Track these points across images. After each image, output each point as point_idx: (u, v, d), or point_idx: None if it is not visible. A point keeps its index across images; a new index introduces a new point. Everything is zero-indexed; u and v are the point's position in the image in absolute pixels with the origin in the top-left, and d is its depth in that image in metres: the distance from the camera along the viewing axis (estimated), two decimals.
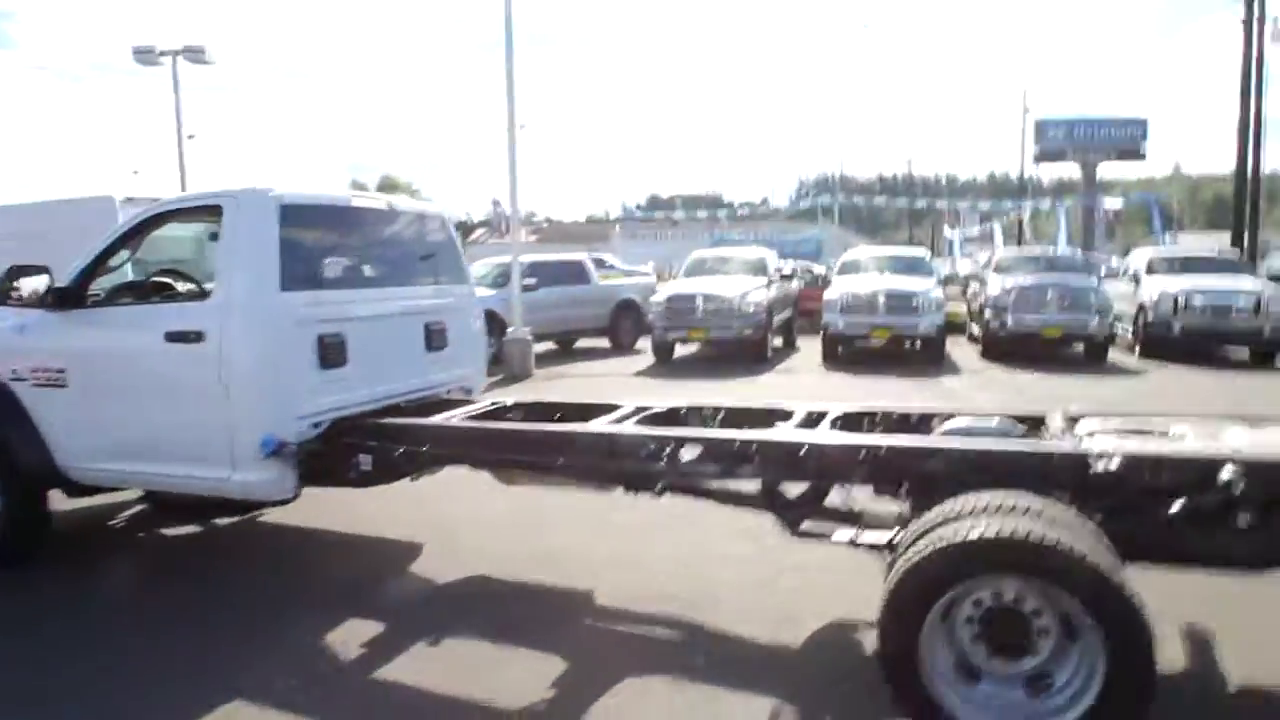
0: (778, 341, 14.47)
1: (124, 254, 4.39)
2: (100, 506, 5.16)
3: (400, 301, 4.60)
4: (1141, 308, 13.23)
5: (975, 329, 14.37)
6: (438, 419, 4.20)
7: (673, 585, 4.13)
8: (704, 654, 3.45)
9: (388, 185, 74.28)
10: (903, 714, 2.72)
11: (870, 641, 3.52)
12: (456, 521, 5.08)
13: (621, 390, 9.78)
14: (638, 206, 78.19)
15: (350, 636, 3.60)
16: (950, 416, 3.99)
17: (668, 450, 3.61)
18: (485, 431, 3.98)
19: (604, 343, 15.62)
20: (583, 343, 15.60)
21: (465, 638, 3.58)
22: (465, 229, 64.38)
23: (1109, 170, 37.62)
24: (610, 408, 4.54)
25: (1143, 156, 32.60)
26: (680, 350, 13.67)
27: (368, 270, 4.53)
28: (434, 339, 4.77)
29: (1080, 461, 3.08)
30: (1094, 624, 2.54)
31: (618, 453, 3.71)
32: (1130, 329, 13.57)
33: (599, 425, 3.92)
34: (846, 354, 13.26)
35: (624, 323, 15.55)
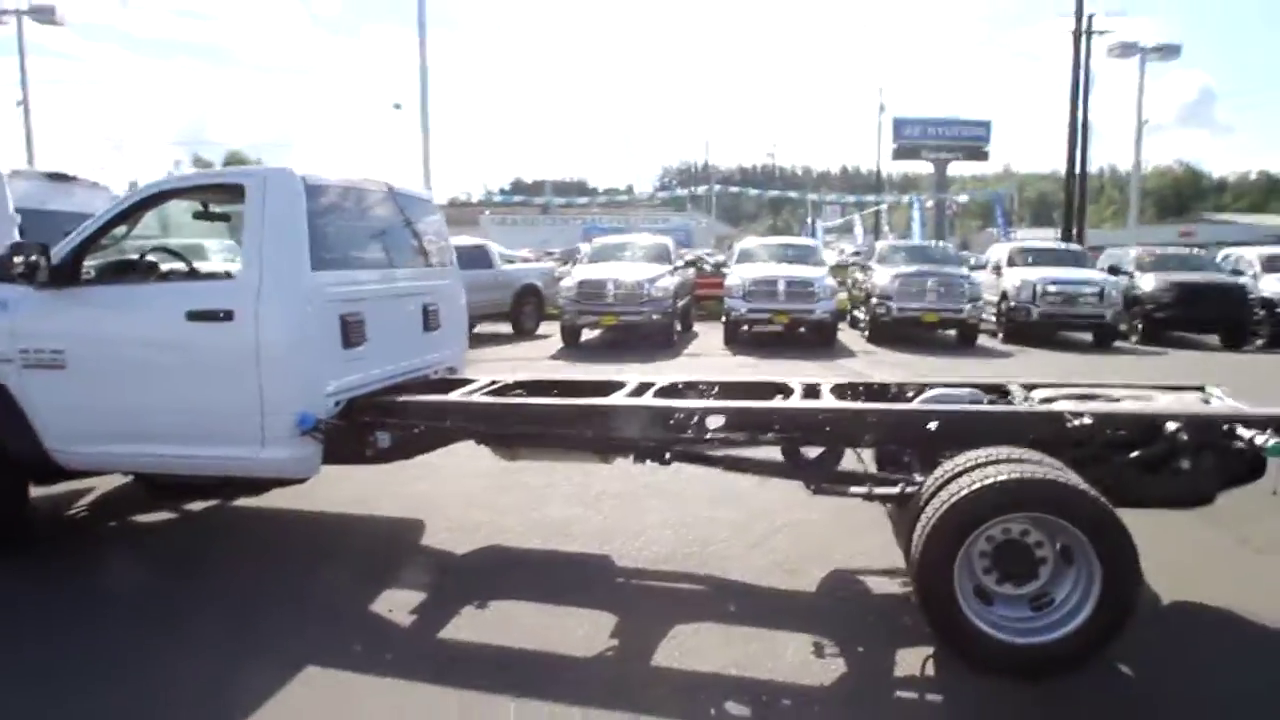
0: (678, 326, 15.02)
1: (121, 230, 4.23)
2: (56, 495, 4.95)
3: (404, 283, 4.68)
4: (1004, 295, 14.66)
5: (859, 314, 15.43)
6: (457, 395, 4.35)
7: (679, 548, 4.46)
8: (734, 602, 3.81)
9: (234, 162, 69.99)
10: (939, 633, 3.19)
11: (874, 583, 4.06)
12: (444, 498, 5.20)
13: (546, 374, 9.98)
14: (501, 190, 77.33)
15: (396, 606, 3.73)
16: (921, 388, 4.54)
17: (695, 420, 3.95)
18: (517, 407, 4.17)
19: (505, 328, 15.67)
20: (482, 328, 15.58)
21: (509, 600, 3.78)
22: None
23: (952, 168, 40.83)
24: (610, 384, 4.84)
25: (986, 157, 35.54)
26: (585, 335, 13.95)
27: (376, 252, 4.58)
28: (430, 319, 4.89)
29: (1058, 420, 3.66)
30: (1094, 550, 3.09)
31: (647, 424, 4.01)
32: (993, 315, 15.00)
33: (630, 398, 4.20)
34: (745, 337, 13.97)
35: (526, 307, 15.66)
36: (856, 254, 23.11)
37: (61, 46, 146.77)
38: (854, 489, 3.82)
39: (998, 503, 3.14)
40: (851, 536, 4.64)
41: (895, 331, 14.18)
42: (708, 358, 12.51)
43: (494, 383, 4.74)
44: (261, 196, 3.90)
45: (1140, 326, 14.74)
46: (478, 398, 4.31)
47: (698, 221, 52.03)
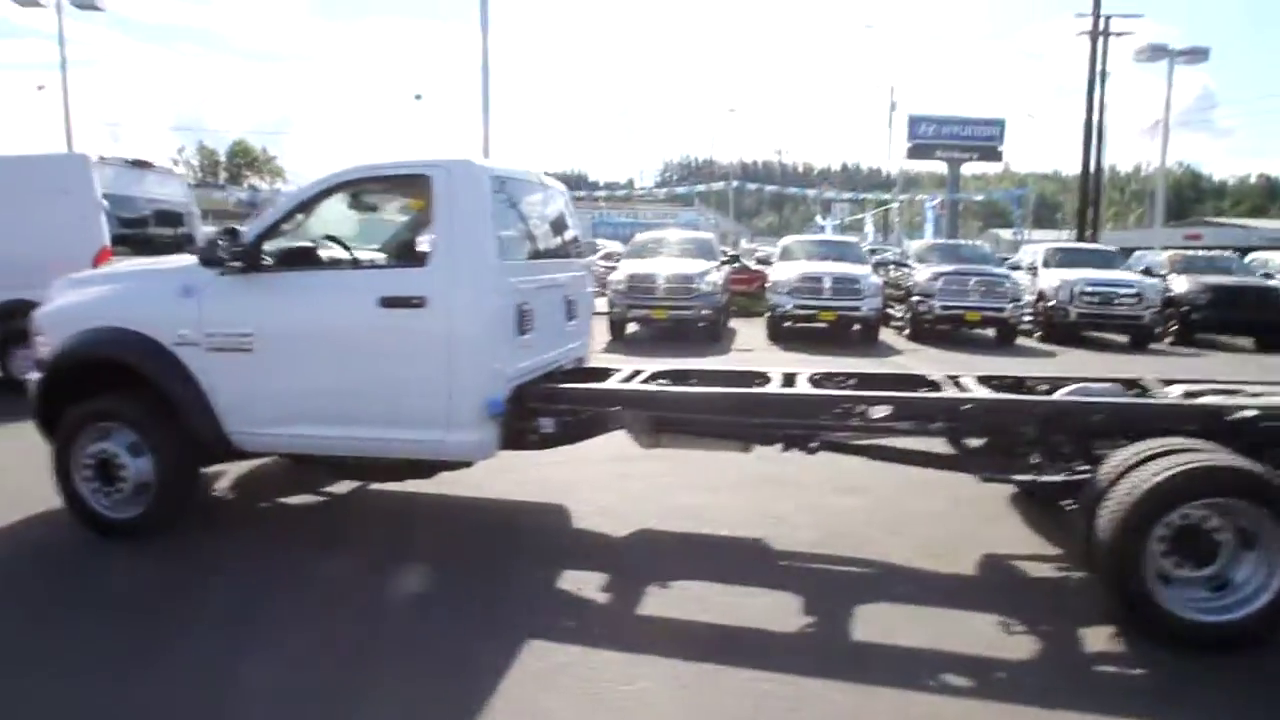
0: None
1: (299, 219, 4.36)
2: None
3: (554, 274, 4.83)
4: (1041, 295, 14.85)
5: (895, 312, 15.61)
6: (615, 383, 4.51)
7: (824, 534, 4.61)
8: (901, 584, 3.97)
9: (240, 151, 69.74)
10: (1128, 611, 3.36)
11: (1027, 567, 4.21)
12: (569, 485, 5.31)
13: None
14: None
15: (581, 586, 3.88)
16: (1052, 382, 4.72)
17: (860, 411, 4.12)
18: (687, 395, 4.33)
19: None
20: None
21: (689, 580, 3.93)
22: None
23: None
24: (748, 374, 5.01)
25: (1000, 157, 35.76)
26: (629, 329, 14.09)
27: (534, 241, 4.73)
28: (570, 309, 5.04)
29: (1220, 413, 3.84)
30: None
31: (812, 413, 4.18)
32: (1029, 315, 15.19)
33: (796, 388, 4.38)
34: (787, 334, 14.13)
35: None
36: (872, 252, 23.16)
37: (41, 26, 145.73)
38: (1019, 477, 3.99)
39: (1188, 488, 3.31)
40: (983, 524, 4.81)
41: (935, 330, 14.37)
42: (759, 353, 12.66)
43: (637, 372, 4.90)
44: (449, 188, 4.03)
45: (1174, 328, 14.95)
46: (646, 386, 4.46)
47: (705, 217, 52.19)
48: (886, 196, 46.69)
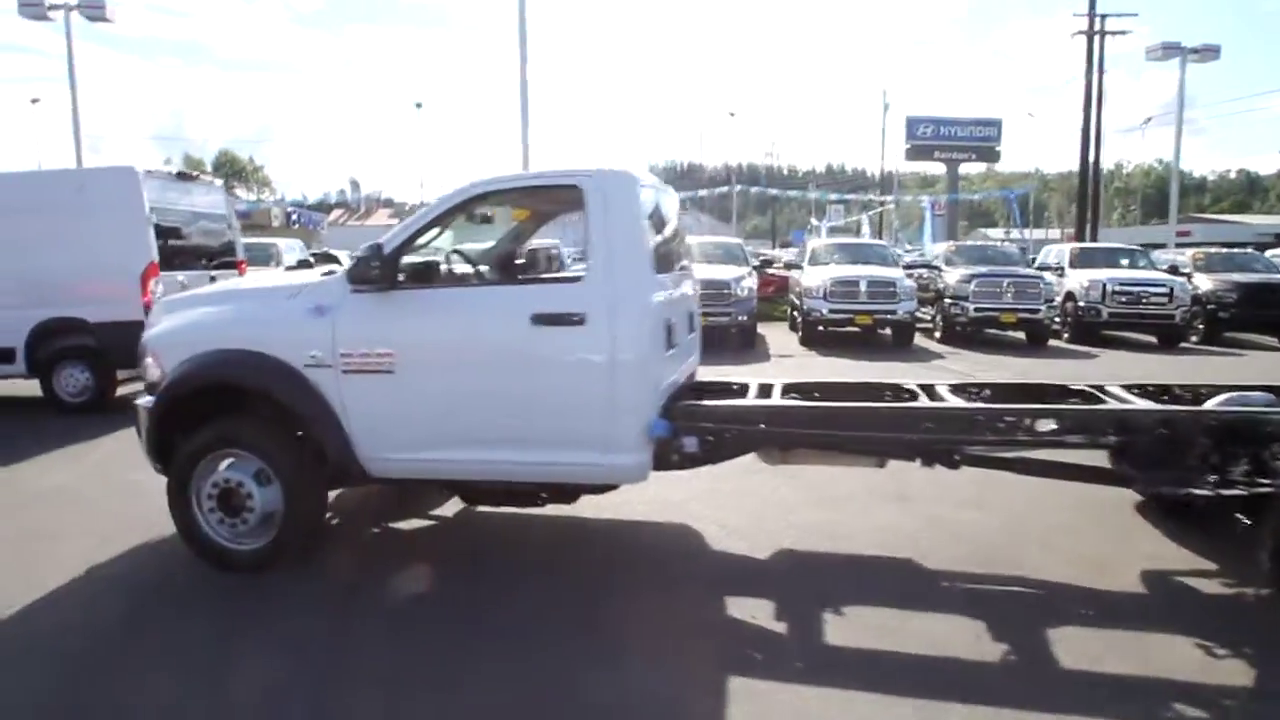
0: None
1: (434, 232, 4.15)
2: None
3: (682, 285, 4.66)
4: (1070, 296, 14.82)
5: (923, 315, 15.53)
6: (752, 400, 4.34)
7: (971, 550, 4.46)
8: (1077, 604, 3.81)
9: (225, 161, 68.92)
10: None
11: (1194, 583, 4.07)
12: (682, 504, 5.13)
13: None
14: None
15: (754, 614, 3.69)
16: (1195, 390, 4.61)
17: (1026, 423, 3.97)
18: (838, 411, 4.17)
19: None
20: None
21: (858, 606, 3.76)
22: (325, 209, 60.94)
23: (938, 169, 41.01)
24: (872, 385, 4.86)
25: (998, 157, 35.89)
26: None
27: (668, 252, 4.55)
28: (690, 321, 4.87)
29: None
30: None
31: (969, 427, 4.03)
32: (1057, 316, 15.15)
33: (947, 401, 4.23)
34: (821, 338, 14.01)
35: None
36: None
37: (34, 42, 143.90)
38: (1199, 490, 3.85)
39: None
40: (1124, 537, 4.69)
41: (965, 333, 14.30)
42: (799, 359, 12.53)
43: (765, 387, 4.73)
44: (602, 198, 3.85)
45: (1201, 327, 14.96)
46: (795, 402, 4.30)
47: (698, 220, 52.11)
48: (872, 198, 46.83)
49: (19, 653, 3.43)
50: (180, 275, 8.43)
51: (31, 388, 8.49)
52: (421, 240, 4.10)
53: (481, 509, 5.02)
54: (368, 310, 3.95)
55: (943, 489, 5.17)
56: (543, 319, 3.78)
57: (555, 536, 4.75)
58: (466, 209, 4.14)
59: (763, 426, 4.15)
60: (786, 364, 11.90)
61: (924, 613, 3.72)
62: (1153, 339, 14.73)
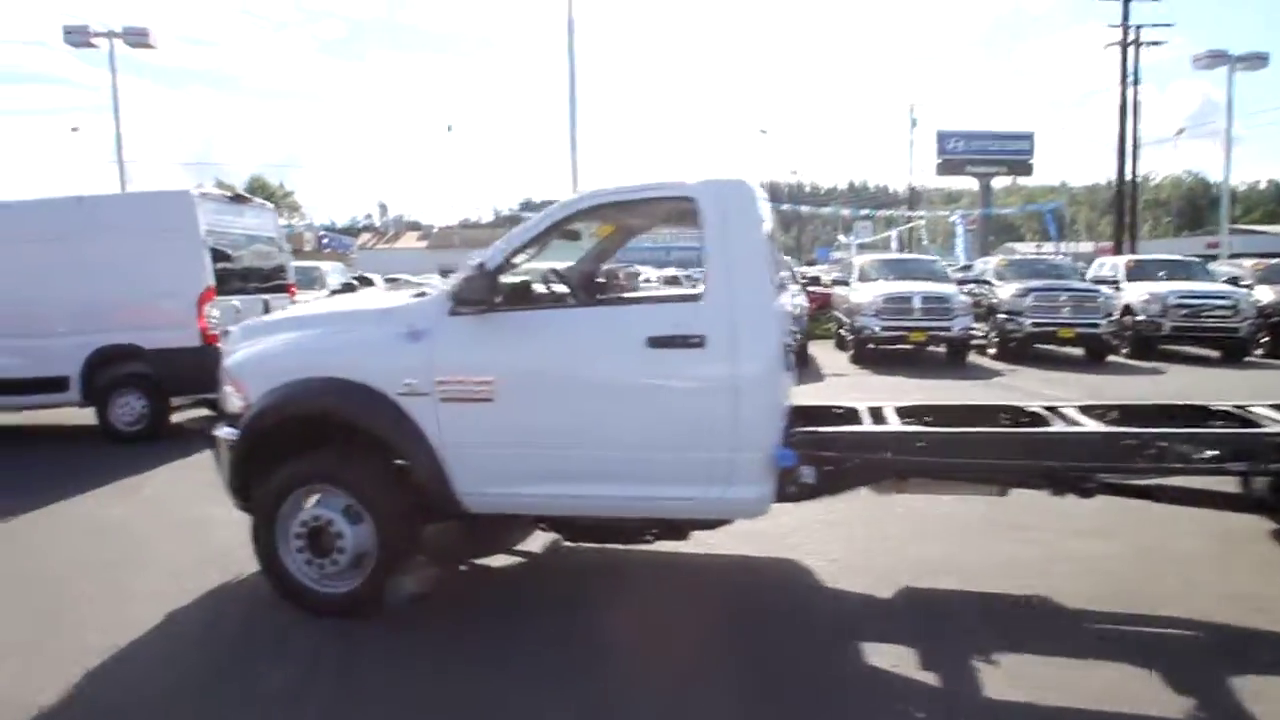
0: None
1: (532, 250, 3.90)
2: None
3: (787, 301, 4.37)
4: (1128, 309, 14.36)
5: (976, 331, 15.12)
6: (878, 427, 4.03)
7: (1106, 586, 4.12)
8: (1255, 650, 3.46)
9: (257, 187, 69.70)
10: None
11: None
12: (775, 537, 4.80)
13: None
14: (510, 210, 77.44)
15: (897, 663, 3.37)
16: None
17: (1181, 449, 3.64)
18: (969, 437, 3.87)
19: None
20: None
21: (1009, 653, 3.42)
22: (353, 233, 61.44)
23: (959, 182, 40.51)
24: (998, 408, 4.54)
25: (1031, 170, 35.43)
26: None
27: (774, 265, 4.27)
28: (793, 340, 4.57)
29: None
30: None
31: (1119, 455, 3.71)
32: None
33: (1082, 425, 3.91)
34: (872, 357, 13.65)
35: None
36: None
37: (70, 73, 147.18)
38: None
39: None
40: (1272, 571, 4.31)
41: (1020, 350, 13.88)
42: (854, 378, 12.17)
43: (876, 410, 4.43)
44: (720, 210, 3.58)
45: (1264, 340, 14.44)
46: (920, 427, 3.99)
47: None
48: (897, 214, 46.39)
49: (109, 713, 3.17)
50: (235, 300, 8.27)
51: (82, 416, 8.34)
52: (520, 258, 3.84)
53: (569, 543, 4.74)
54: (467, 334, 3.69)
55: (1055, 516, 4.79)
56: (660, 341, 3.50)
57: (652, 574, 4.44)
58: (573, 223, 3.88)
59: (888, 455, 3.84)
60: (842, 383, 11.54)
61: (1085, 660, 3.37)
62: (1214, 353, 14.24)
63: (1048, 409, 4.37)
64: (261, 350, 4.04)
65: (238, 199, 8.81)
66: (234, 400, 4.05)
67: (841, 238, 47.37)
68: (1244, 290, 14.33)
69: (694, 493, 3.56)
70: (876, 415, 4.33)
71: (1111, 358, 13.95)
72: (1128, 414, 4.47)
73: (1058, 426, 3.97)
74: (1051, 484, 3.80)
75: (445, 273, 10.29)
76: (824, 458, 3.80)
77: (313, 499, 3.85)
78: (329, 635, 3.69)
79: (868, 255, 17.65)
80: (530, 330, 3.68)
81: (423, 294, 4.15)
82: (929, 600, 4.04)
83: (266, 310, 8.83)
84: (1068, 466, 3.70)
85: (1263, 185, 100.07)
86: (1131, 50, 29.08)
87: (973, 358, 13.99)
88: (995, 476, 3.88)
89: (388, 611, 3.83)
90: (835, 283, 15.62)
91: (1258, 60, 22.44)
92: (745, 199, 3.62)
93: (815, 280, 16.54)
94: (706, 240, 3.57)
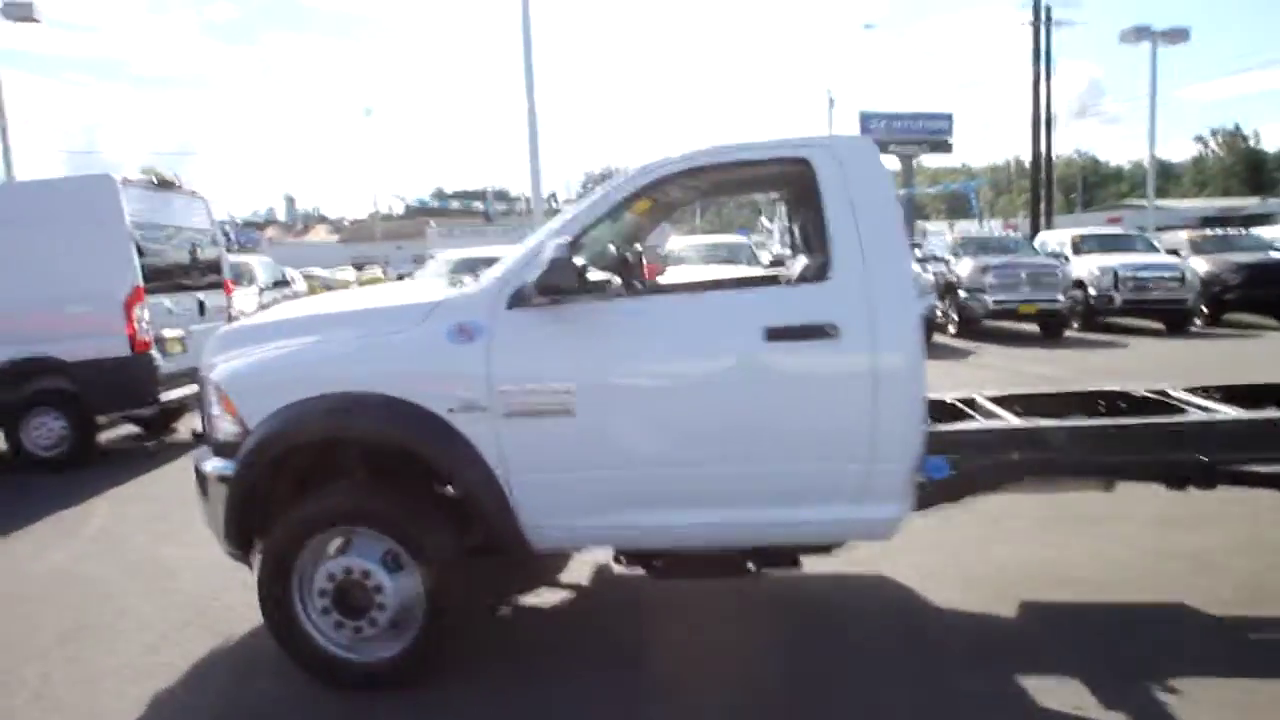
0: None
1: (606, 226, 3.20)
2: None
3: None
4: (1080, 284, 14.47)
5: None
6: (1006, 423, 3.52)
7: (1214, 588, 3.74)
8: None
9: (147, 174, 65.31)
10: None
11: None
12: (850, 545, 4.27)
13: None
14: (419, 201, 75.04)
15: (1040, 695, 2.87)
16: None
17: None
18: (1110, 429, 3.38)
19: None
20: None
21: (1185, 677, 2.97)
22: (260, 227, 58.22)
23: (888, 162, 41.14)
24: (1095, 394, 4.13)
25: (950, 149, 36.04)
26: None
27: None
28: None
29: None
30: None
31: (1261, 441, 3.33)
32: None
33: (1225, 413, 3.49)
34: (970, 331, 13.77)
35: None
36: None
37: None
38: None
39: None
40: None
41: (981, 326, 13.85)
42: (983, 356, 11.77)
43: (969, 401, 3.93)
44: (841, 173, 2.97)
45: (1205, 310, 14.78)
46: (1051, 421, 3.49)
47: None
48: None
49: None
50: (167, 300, 7.23)
51: None
52: (591, 237, 3.15)
53: (620, 569, 4.08)
54: (537, 332, 2.98)
55: (1120, 504, 4.36)
56: (782, 333, 2.87)
57: (729, 601, 3.84)
58: (656, 191, 3.20)
59: (1016, 455, 3.33)
60: (980, 362, 11.20)
61: (1268, 680, 2.94)
62: (1159, 324, 14.49)
63: (1155, 393, 3.96)
64: (259, 362, 3.21)
65: (164, 185, 7.70)
66: (225, 425, 3.22)
67: (764, 220, 47.49)
68: (1187, 262, 14.61)
69: (820, 514, 2.97)
70: (976, 407, 3.83)
71: (1068, 333, 14.03)
72: (1229, 394, 4.10)
73: (1196, 415, 3.54)
74: (1177, 477, 3.39)
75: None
76: (951, 461, 3.27)
77: (337, 543, 3.09)
78: (365, 713, 2.95)
79: (961, 233, 17.83)
80: (618, 325, 2.99)
81: (458, 283, 3.42)
82: (1057, 616, 3.56)
83: (203, 311, 7.81)
84: (1222, 458, 3.27)
85: (1146, 163, 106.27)
86: (1045, 30, 30.17)
87: (936, 336, 13.87)
88: (1141, 472, 3.42)
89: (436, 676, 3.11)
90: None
91: (1178, 35, 23.22)
92: (869, 158, 3.03)
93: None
94: (827, 210, 2.95)
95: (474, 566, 3.10)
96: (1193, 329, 14.34)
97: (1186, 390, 3.98)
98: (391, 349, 3.09)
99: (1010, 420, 3.54)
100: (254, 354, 3.26)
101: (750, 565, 3.24)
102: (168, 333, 7.16)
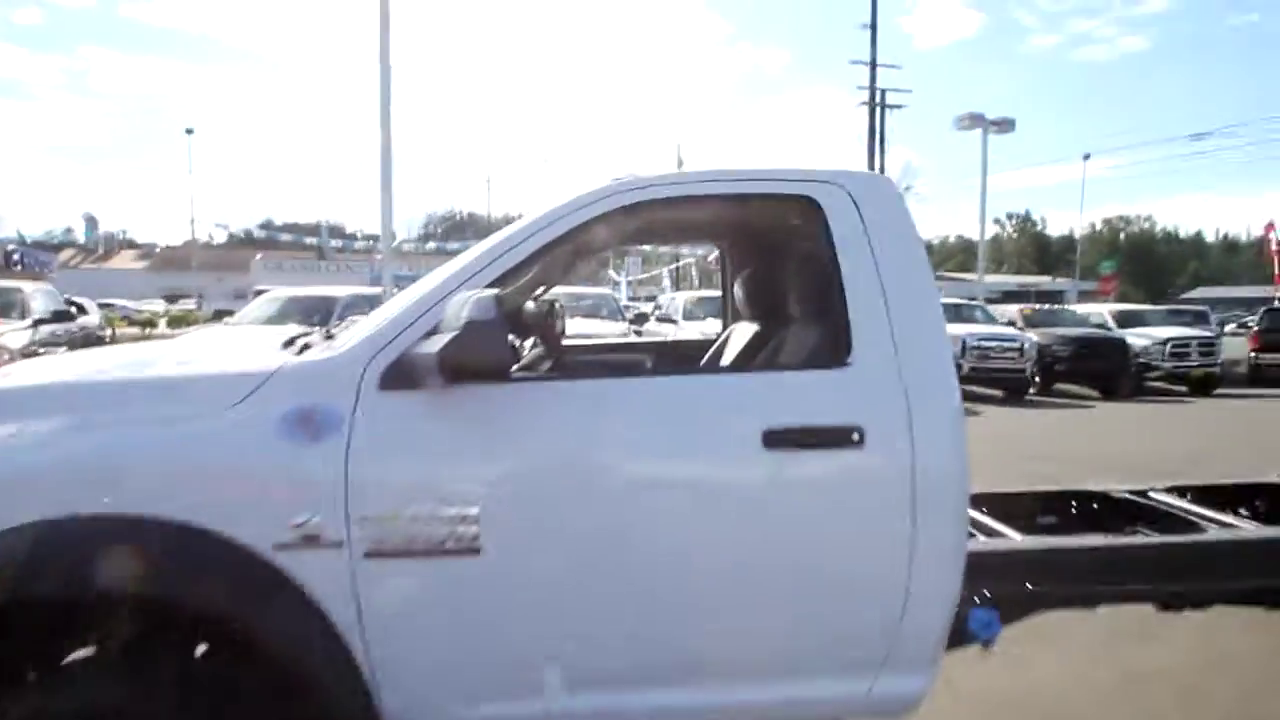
0: None
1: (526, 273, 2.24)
2: None
3: None
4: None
5: None
6: (1015, 544, 2.81)
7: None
8: None
9: None
10: None
11: None
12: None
13: None
14: (245, 232, 70.01)
15: None
16: None
17: None
18: (1132, 550, 2.77)
19: None
20: None
21: None
22: (55, 248, 51.55)
23: None
24: (1069, 494, 3.60)
25: None
26: None
27: None
28: None
29: None
30: None
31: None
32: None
33: (1248, 532, 2.98)
34: None
35: None
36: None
37: None
38: None
39: None
40: None
41: None
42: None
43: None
44: (858, 219, 2.19)
45: (1038, 380, 15.57)
46: (1065, 541, 2.83)
47: None
48: (664, 250, 47.60)
49: None
50: None
51: None
52: (513, 282, 2.18)
53: None
54: (425, 426, 1.97)
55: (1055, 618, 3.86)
56: (784, 438, 2.02)
57: None
58: (599, 227, 2.26)
59: (1028, 586, 2.64)
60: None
61: None
62: (997, 392, 15.06)
63: (1135, 494, 3.45)
64: None
65: None
66: None
67: (612, 274, 47.53)
68: (1027, 334, 15.34)
69: (827, 691, 2.11)
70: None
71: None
72: (1199, 494, 3.66)
73: (1217, 533, 2.99)
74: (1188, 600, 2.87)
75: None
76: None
77: None
78: None
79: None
80: (552, 422, 2.02)
81: (295, 341, 2.35)
82: None
83: None
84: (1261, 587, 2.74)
85: (952, 239, 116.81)
86: (882, 111, 32.60)
87: None
88: (1149, 597, 2.84)
89: None
90: (660, 320, 14.66)
91: (1006, 124, 25.35)
92: (893, 201, 2.28)
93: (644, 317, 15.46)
94: (845, 266, 2.16)
95: None
96: (1028, 398, 14.99)
97: (1166, 489, 3.50)
98: (186, 444, 1.97)
99: (1014, 539, 2.85)
100: None
101: None
102: None
